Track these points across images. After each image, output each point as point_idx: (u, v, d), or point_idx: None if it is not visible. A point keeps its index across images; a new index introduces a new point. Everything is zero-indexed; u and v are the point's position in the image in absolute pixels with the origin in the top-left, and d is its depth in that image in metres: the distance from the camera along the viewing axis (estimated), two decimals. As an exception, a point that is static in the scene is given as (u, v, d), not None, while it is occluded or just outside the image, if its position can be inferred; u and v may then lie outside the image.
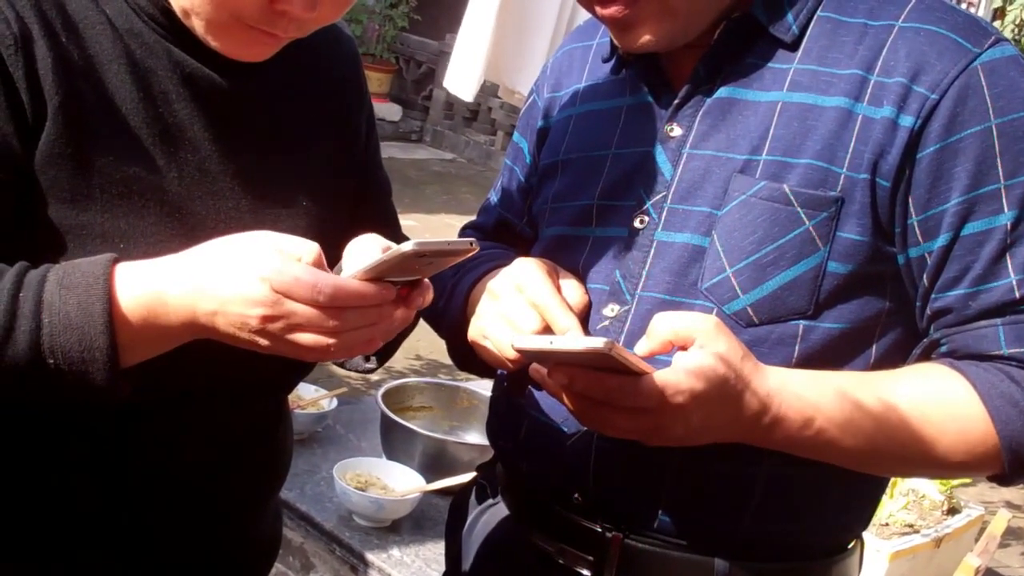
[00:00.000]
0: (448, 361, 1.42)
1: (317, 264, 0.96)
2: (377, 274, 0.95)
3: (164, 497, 1.17)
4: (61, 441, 1.10)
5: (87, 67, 1.05)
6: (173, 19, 1.09)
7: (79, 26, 1.06)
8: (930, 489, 3.51)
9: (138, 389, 0.99)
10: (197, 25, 1.07)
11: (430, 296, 1.02)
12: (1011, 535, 4.07)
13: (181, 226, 1.08)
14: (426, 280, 1.02)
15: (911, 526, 3.34)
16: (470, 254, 0.97)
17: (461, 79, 4.10)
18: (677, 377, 1.02)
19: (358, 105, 1.31)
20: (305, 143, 1.22)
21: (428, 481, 2.42)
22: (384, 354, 1.35)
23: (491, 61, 3.97)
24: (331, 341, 0.95)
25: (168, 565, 1.20)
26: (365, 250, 1.05)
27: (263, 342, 0.96)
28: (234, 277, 0.94)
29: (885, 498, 3.34)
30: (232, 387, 1.17)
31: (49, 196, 1.02)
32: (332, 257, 1.02)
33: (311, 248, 0.96)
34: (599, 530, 1.20)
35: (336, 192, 1.25)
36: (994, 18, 5.41)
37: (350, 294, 0.94)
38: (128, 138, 1.06)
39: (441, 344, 1.39)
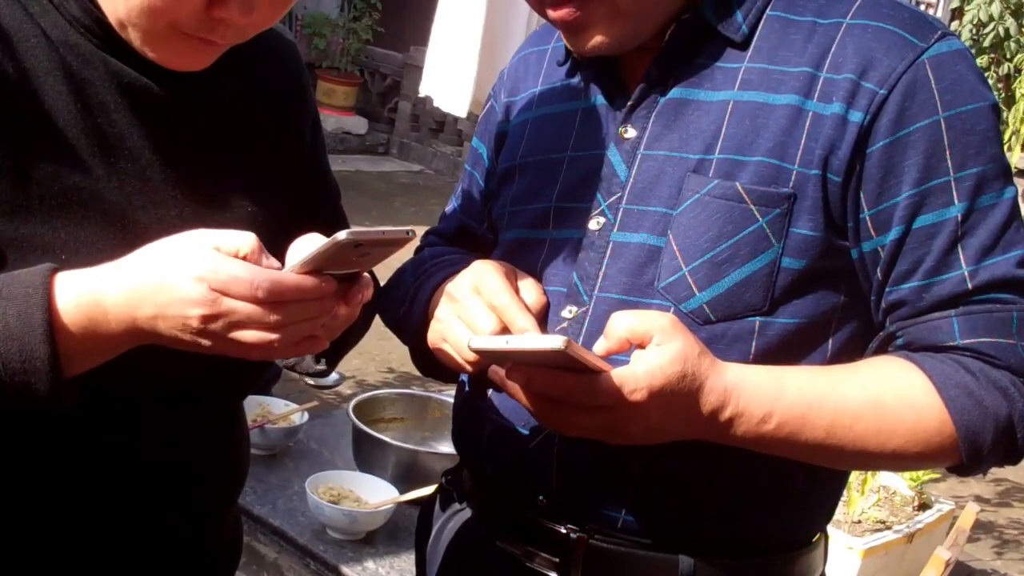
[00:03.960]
0: (421, 373, 1.42)
1: (256, 254, 0.95)
2: (315, 266, 0.95)
3: (116, 503, 1.16)
4: (7, 449, 1.08)
5: (23, 80, 1.04)
6: (109, 30, 1.08)
7: (13, 39, 1.05)
8: (901, 485, 3.54)
9: (85, 397, 0.99)
10: (134, 37, 1.07)
11: (370, 291, 1.02)
12: (980, 528, 4.11)
13: (123, 235, 1.07)
14: (366, 275, 1.02)
15: (883, 522, 3.36)
16: (408, 243, 0.97)
17: (451, 95, 4.06)
18: (635, 374, 1.02)
19: (301, 109, 1.31)
20: (247, 148, 1.22)
21: (401, 492, 2.41)
22: (335, 356, 1.34)
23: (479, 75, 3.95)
24: (274, 337, 0.95)
25: (122, 570, 1.19)
26: (305, 248, 1.05)
27: (206, 342, 0.96)
28: (170, 280, 0.94)
29: (856, 495, 3.36)
30: (181, 393, 1.16)
31: None
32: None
33: (248, 239, 0.96)
34: (564, 531, 1.20)
35: (281, 197, 1.24)
36: (952, 18, 5.47)
37: (289, 287, 0.94)
38: (67, 149, 1.06)
39: (413, 356, 1.39)
